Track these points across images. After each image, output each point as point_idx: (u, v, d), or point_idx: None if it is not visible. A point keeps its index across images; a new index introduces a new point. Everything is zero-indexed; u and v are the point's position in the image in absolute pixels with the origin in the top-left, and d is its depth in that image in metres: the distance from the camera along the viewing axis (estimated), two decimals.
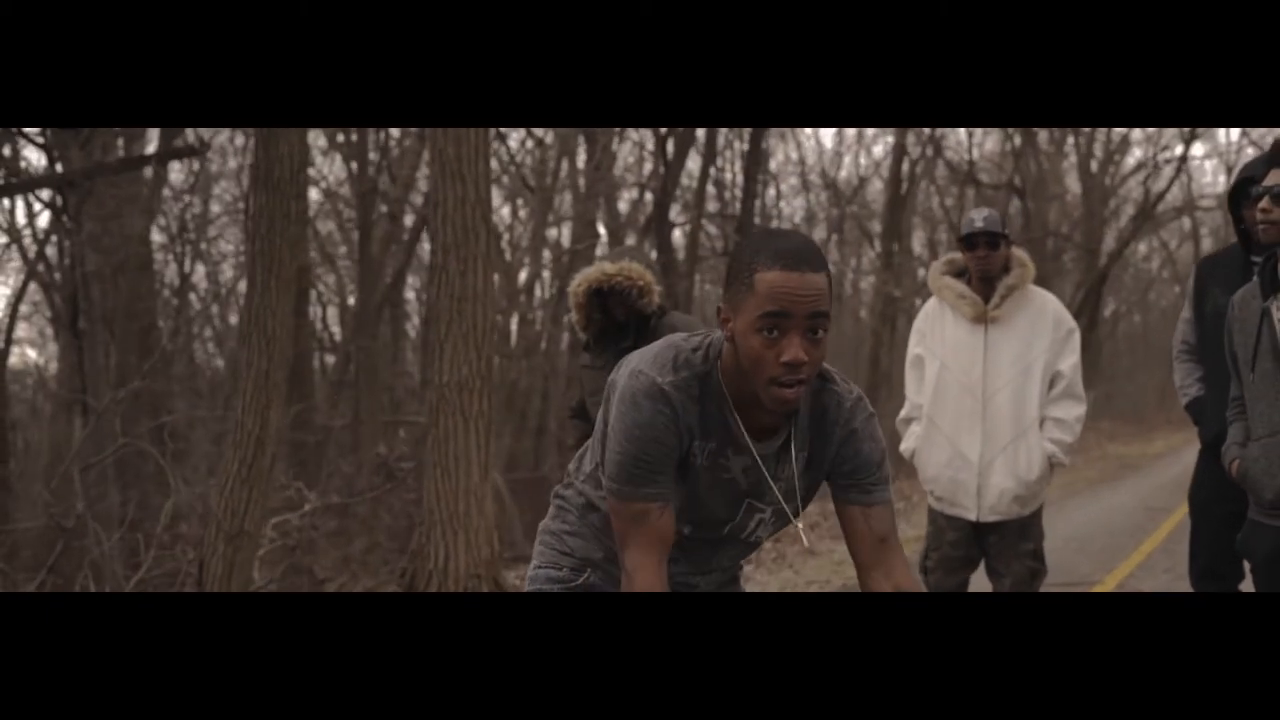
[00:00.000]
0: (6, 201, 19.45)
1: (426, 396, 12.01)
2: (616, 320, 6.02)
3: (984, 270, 5.86)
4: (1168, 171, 34.24)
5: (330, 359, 26.53)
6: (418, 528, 10.05)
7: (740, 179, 24.12)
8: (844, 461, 2.99)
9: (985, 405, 5.83)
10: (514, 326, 24.32)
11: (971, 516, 5.86)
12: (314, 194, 24.43)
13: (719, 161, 25.64)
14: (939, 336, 6.00)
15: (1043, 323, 5.86)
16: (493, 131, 21.95)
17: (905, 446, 6.16)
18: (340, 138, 22.00)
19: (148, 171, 18.24)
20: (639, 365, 2.92)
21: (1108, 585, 9.64)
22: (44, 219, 20.16)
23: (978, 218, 5.89)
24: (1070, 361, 5.87)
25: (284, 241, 8.24)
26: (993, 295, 5.87)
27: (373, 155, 21.95)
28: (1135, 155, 36.05)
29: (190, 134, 16.98)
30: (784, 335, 2.73)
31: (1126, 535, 12.48)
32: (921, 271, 29.91)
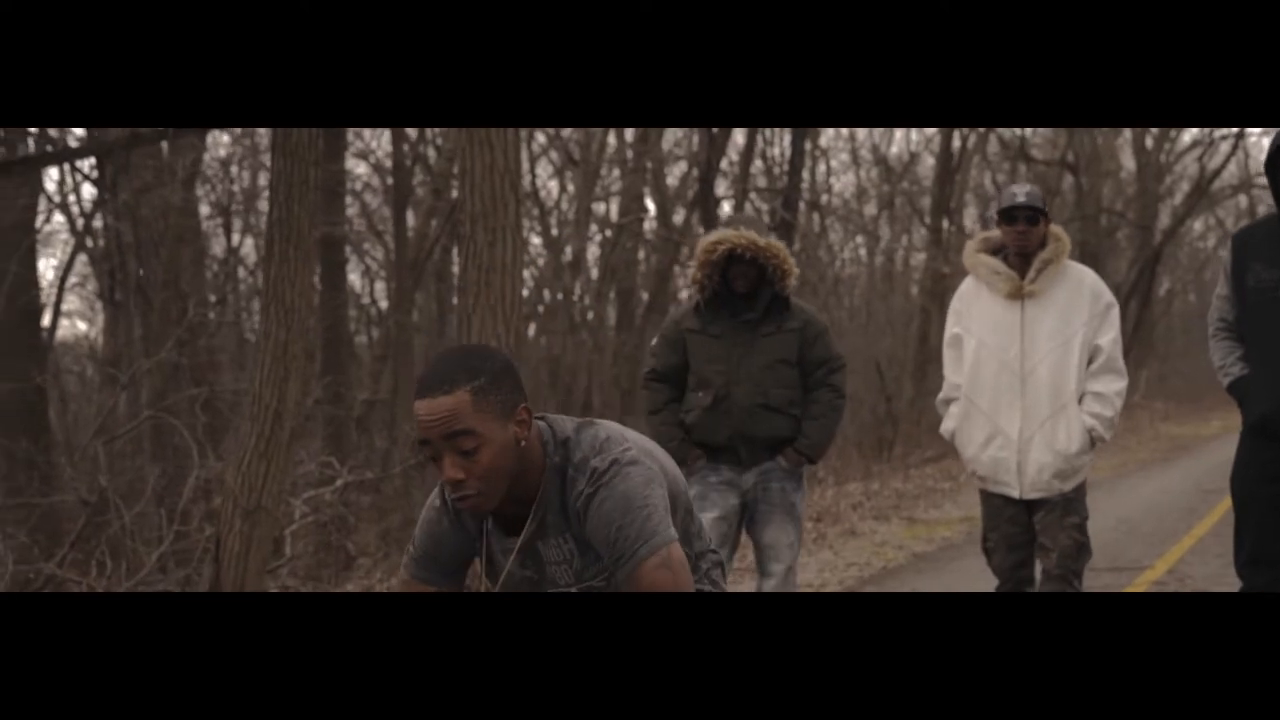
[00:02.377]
0: (54, 172, 19.42)
1: None
2: (734, 290, 5.95)
3: (1021, 246, 5.80)
4: (1224, 148, 33.64)
5: (376, 333, 26.44)
6: None
7: (788, 153, 23.82)
8: (595, 540, 3.04)
9: (1024, 381, 5.78)
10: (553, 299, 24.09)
11: (1014, 494, 5.82)
12: (361, 168, 24.33)
13: (767, 135, 25.30)
14: (975, 314, 5.95)
15: (1080, 297, 5.80)
16: None
17: (945, 427, 6.10)
18: None
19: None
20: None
21: (1158, 569, 9.43)
22: (87, 190, 20.16)
23: (1019, 192, 5.84)
24: (1109, 336, 5.80)
25: (303, 210, 7.99)
26: (1029, 271, 5.80)
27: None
28: (1191, 132, 35.44)
29: None
30: (440, 459, 2.92)
31: (1178, 518, 12.19)
32: None
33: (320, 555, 11.86)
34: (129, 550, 10.13)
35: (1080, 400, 5.76)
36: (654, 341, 6.31)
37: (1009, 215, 5.78)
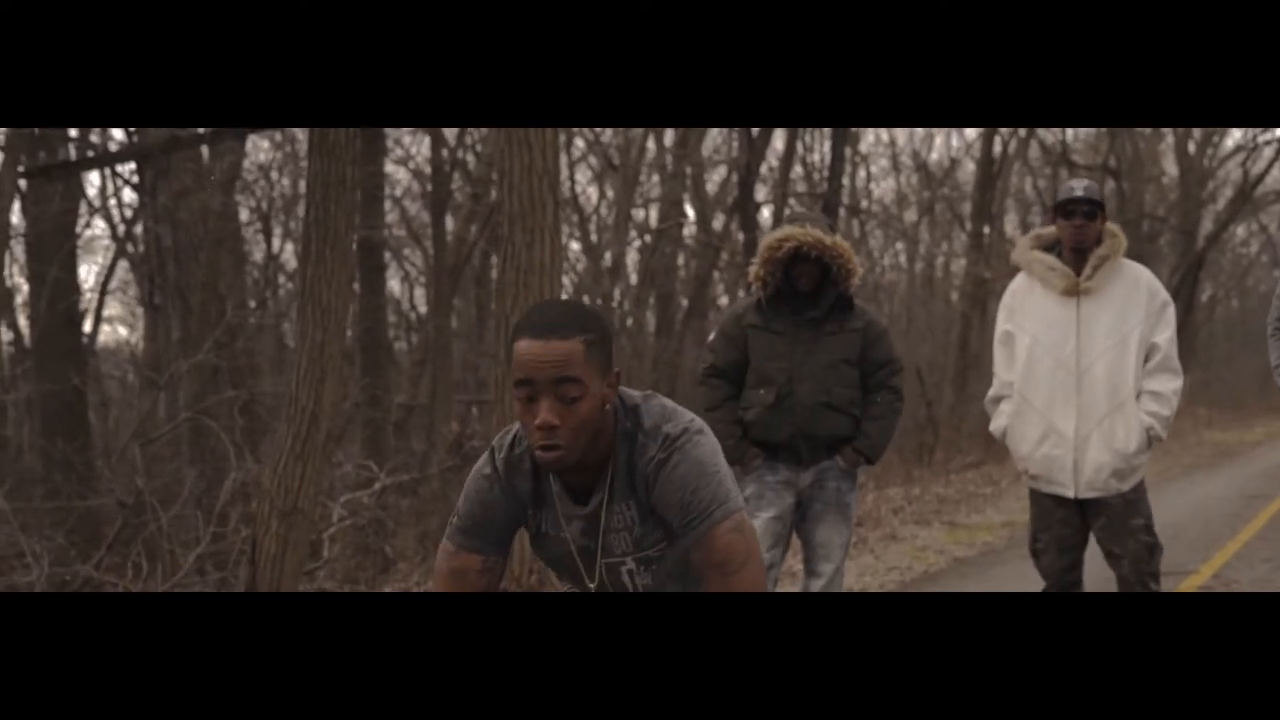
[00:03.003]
0: (96, 179, 19.51)
1: (492, 372, 11.76)
2: (797, 288, 5.90)
3: (1079, 240, 5.68)
4: (1268, 153, 33.40)
5: (416, 338, 26.44)
6: None
7: (828, 159, 23.73)
8: (663, 505, 3.05)
9: (1079, 379, 5.66)
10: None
11: (1069, 493, 5.70)
12: (401, 173, 24.34)
13: (807, 140, 25.23)
14: (1028, 311, 5.83)
15: (1137, 295, 5.69)
16: None
17: (995, 425, 5.97)
18: None
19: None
20: (495, 439, 3.22)
21: (1204, 574, 9.32)
22: (128, 196, 20.21)
23: (1077, 186, 5.74)
24: (1166, 334, 5.69)
25: (339, 209, 7.94)
26: (1084, 267, 5.68)
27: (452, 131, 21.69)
28: (1234, 137, 35.18)
29: None
30: (536, 401, 2.92)
31: (1223, 523, 12.05)
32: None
33: (358, 558, 11.82)
34: (165, 552, 10.11)
35: (1137, 399, 5.65)
36: (712, 337, 6.25)
37: (1067, 209, 5.68)
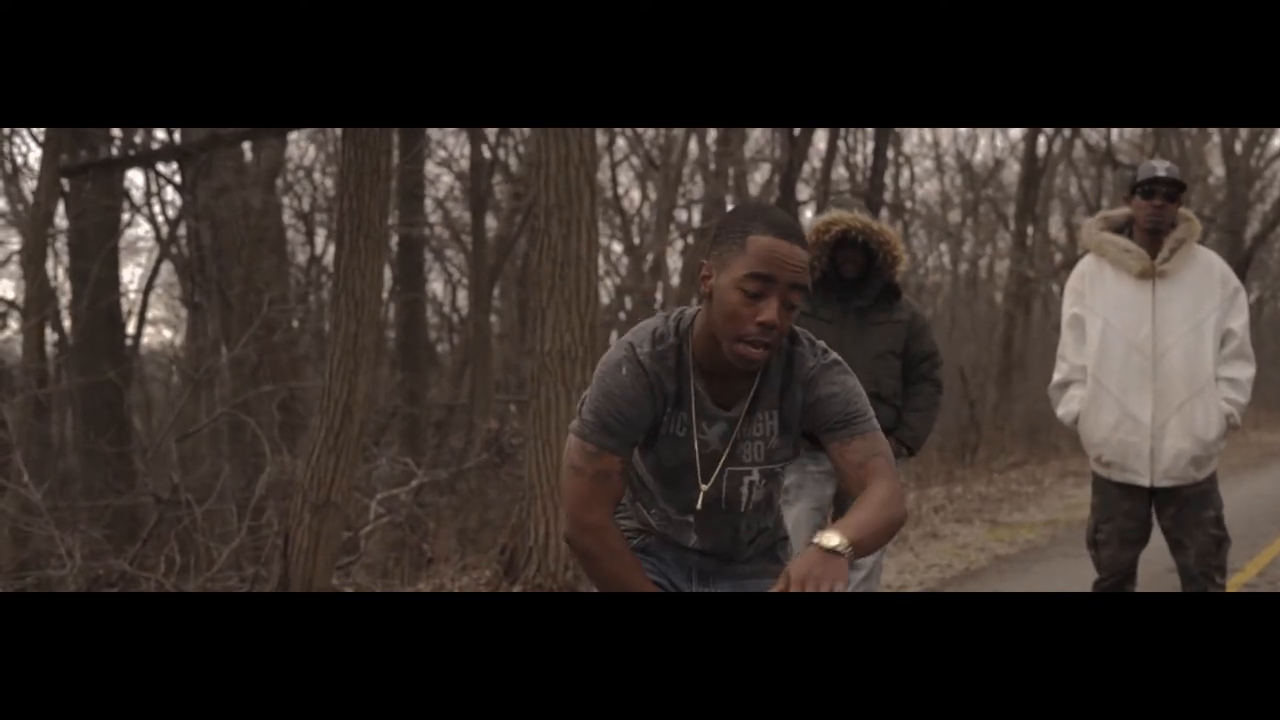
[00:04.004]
0: (140, 180, 19.57)
1: (526, 367, 11.71)
2: (841, 275, 5.88)
3: (1156, 221, 5.56)
4: None
5: (457, 339, 26.43)
6: (518, 503, 9.75)
7: (871, 159, 23.60)
8: (815, 415, 3.11)
9: (1156, 364, 5.55)
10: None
11: (1144, 481, 5.58)
12: (446, 175, 24.29)
13: (850, 140, 25.11)
14: (1100, 294, 5.69)
15: (1210, 279, 5.59)
16: None
17: (1065, 410, 5.83)
18: None
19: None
20: (627, 337, 3.15)
21: (1248, 572, 9.22)
22: (169, 194, 20.27)
23: (1159, 166, 5.60)
24: (1241, 320, 5.60)
25: (373, 199, 7.90)
26: (1160, 250, 5.57)
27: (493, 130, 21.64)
28: None
29: None
30: (764, 299, 2.93)
31: (1270, 522, 11.95)
32: (1059, 255, 29.31)
33: (395, 554, 11.78)
34: (199, 547, 10.09)
35: (1215, 385, 5.54)
36: None
37: (1148, 189, 5.55)
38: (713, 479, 3.17)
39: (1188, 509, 5.58)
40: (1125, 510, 5.66)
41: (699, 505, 3.19)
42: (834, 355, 3.14)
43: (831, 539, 2.70)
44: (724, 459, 3.15)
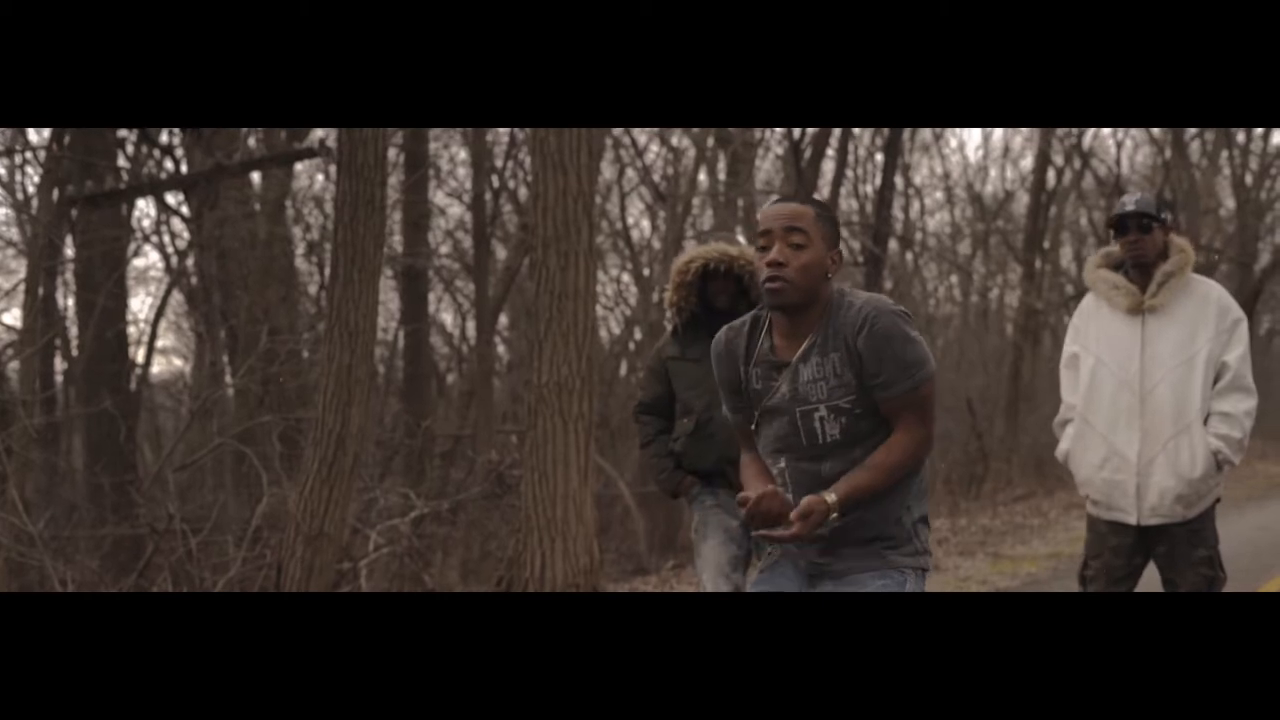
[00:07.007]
0: (151, 209, 19.55)
1: (525, 398, 11.69)
2: (714, 308, 5.83)
3: (1137, 256, 5.53)
4: None
5: (465, 369, 26.40)
6: (515, 534, 9.72)
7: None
8: (865, 360, 3.64)
9: (1143, 400, 5.50)
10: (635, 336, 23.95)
11: (1131, 520, 5.53)
12: (456, 208, 24.27)
13: (859, 171, 25.13)
14: (1094, 331, 5.69)
15: (1206, 311, 5.49)
16: (622, 136, 21.70)
17: (1059, 449, 5.83)
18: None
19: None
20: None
21: None
22: (177, 225, 20.27)
23: (1128, 201, 5.58)
24: (1237, 352, 5.47)
25: (367, 231, 7.89)
26: (1150, 284, 5.52)
27: (499, 161, 21.66)
28: None
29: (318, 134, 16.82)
30: (770, 249, 3.64)
31: (1274, 554, 11.85)
32: (1069, 287, 29.25)
33: (395, 585, 11.74)
34: (192, 577, 10.07)
35: (1205, 421, 5.46)
36: (641, 374, 6.28)
37: (1120, 225, 5.55)
38: (796, 420, 3.73)
39: (1179, 548, 5.52)
40: (1113, 547, 5.62)
41: (783, 440, 3.78)
42: (879, 308, 3.65)
43: (830, 496, 3.55)
44: (797, 400, 3.71)
